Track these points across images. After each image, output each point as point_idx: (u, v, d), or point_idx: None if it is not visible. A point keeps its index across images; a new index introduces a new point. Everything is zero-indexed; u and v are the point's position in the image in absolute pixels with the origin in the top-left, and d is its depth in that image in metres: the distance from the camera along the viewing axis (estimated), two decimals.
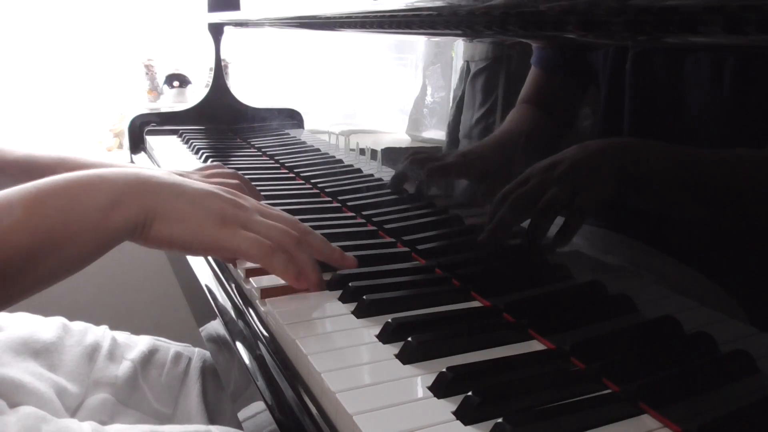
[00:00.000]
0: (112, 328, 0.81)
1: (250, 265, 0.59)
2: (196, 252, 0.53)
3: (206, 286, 0.64)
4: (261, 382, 0.46)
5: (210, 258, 0.69)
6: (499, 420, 0.37)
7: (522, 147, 0.55)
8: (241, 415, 0.50)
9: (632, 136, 0.44)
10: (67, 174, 0.49)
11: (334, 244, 0.59)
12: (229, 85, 1.34)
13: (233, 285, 0.62)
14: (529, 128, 0.54)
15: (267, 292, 0.55)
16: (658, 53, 0.41)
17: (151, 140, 1.25)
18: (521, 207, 0.53)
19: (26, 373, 0.65)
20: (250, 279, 0.58)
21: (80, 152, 0.83)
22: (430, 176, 0.66)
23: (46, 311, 0.79)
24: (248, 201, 0.55)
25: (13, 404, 0.59)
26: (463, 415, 0.38)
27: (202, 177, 0.67)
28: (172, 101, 1.80)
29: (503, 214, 0.54)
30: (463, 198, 0.62)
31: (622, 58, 0.43)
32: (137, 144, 1.28)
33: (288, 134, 1.12)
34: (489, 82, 0.57)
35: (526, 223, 0.52)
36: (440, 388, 0.41)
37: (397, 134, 0.75)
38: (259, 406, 0.45)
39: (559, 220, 0.50)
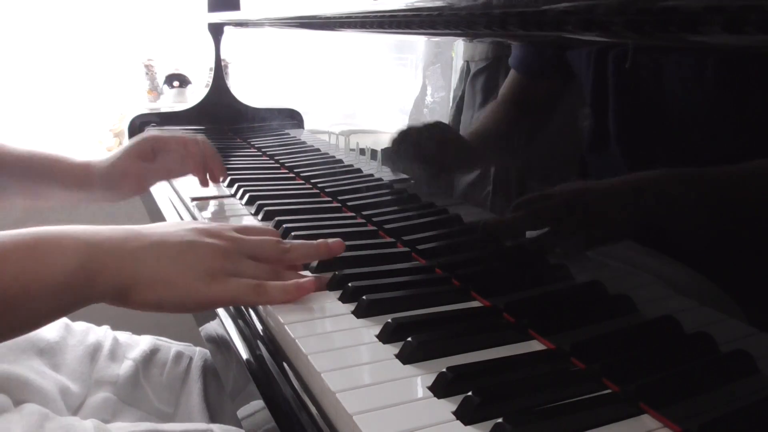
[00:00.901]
0: (114, 328, 0.81)
1: None
2: (189, 311, 0.51)
3: None
4: (261, 382, 0.47)
5: None
6: (499, 420, 0.37)
7: (519, 147, 0.55)
8: (240, 413, 0.50)
9: (632, 136, 0.44)
10: (34, 230, 0.47)
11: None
12: (229, 85, 1.34)
13: None
14: (524, 128, 0.54)
15: None
16: (659, 53, 0.41)
17: None
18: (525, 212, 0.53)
19: (31, 371, 0.66)
20: None
21: (77, 152, 0.85)
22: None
23: None
24: (224, 234, 0.53)
25: (17, 401, 0.59)
26: (463, 415, 0.39)
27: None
28: (172, 101, 1.80)
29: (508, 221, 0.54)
30: (462, 197, 0.62)
31: (622, 58, 0.43)
32: None
33: (288, 134, 1.12)
34: (489, 82, 0.57)
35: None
36: (440, 388, 0.41)
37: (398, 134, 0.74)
38: (259, 406, 0.45)
39: (560, 224, 0.50)
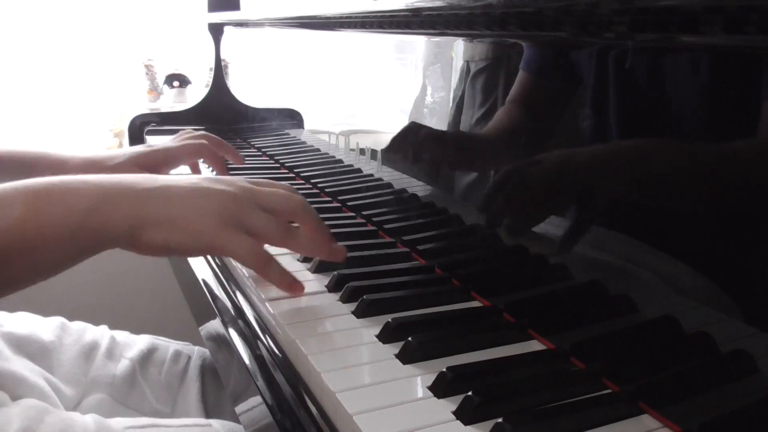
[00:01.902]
0: (112, 327, 0.81)
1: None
2: (194, 255, 0.52)
3: (206, 285, 0.64)
4: (261, 382, 0.46)
5: (210, 257, 0.69)
6: (499, 420, 0.37)
7: (519, 147, 0.55)
8: (240, 411, 0.50)
9: (631, 136, 0.44)
10: (46, 178, 0.47)
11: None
12: (229, 85, 1.34)
13: (233, 284, 0.62)
14: (524, 128, 0.54)
15: (267, 291, 0.55)
16: (658, 53, 0.41)
17: (151, 140, 1.25)
18: (518, 204, 0.53)
19: (26, 369, 0.65)
20: (248, 275, 0.58)
21: (79, 149, 0.83)
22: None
23: (45, 311, 0.79)
24: (237, 183, 0.53)
25: (15, 397, 0.59)
26: (463, 415, 0.38)
27: (176, 142, 0.72)
28: (172, 101, 1.80)
29: (496, 211, 0.54)
30: (462, 197, 0.62)
31: (622, 58, 0.43)
32: (137, 144, 1.28)
33: (288, 134, 1.12)
34: (489, 82, 0.57)
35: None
36: (440, 388, 0.41)
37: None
38: (257, 402, 0.45)
39: (560, 223, 0.50)
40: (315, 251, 0.56)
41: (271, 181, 0.57)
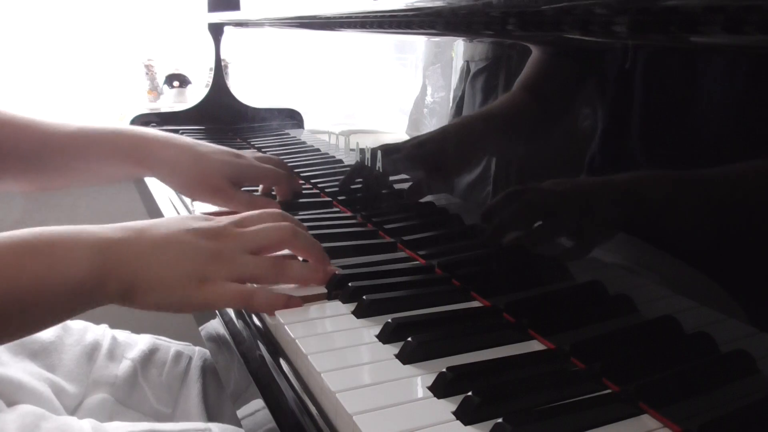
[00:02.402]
0: (112, 326, 0.81)
1: None
2: (186, 312, 0.52)
3: None
4: (261, 383, 0.47)
5: None
6: (499, 420, 0.37)
7: (520, 147, 0.55)
8: (240, 413, 0.50)
9: (630, 136, 0.44)
10: (50, 231, 0.48)
11: (334, 244, 0.59)
12: (229, 85, 1.34)
13: None
14: (525, 128, 0.54)
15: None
16: (658, 53, 0.41)
17: None
18: (517, 211, 0.53)
19: (24, 373, 0.65)
20: None
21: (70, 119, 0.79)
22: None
23: None
24: (224, 232, 0.53)
25: (11, 403, 0.59)
26: (463, 415, 0.38)
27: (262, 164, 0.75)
28: (172, 101, 1.80)
29: (501, 216, 0.54)
30: (462, 197, 0.62)
31: (621, 59, 0.43)
32: None
33: (288, 134, 1.12)
34: (489, 82, 0.57)
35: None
36: (440, 388, 0.41)
37: (397, 134, 0.75)
38: (258, 404, 0.45)
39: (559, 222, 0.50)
40: (309, 280, 0.56)
41: (259, 213, 0.57)
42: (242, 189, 0.77)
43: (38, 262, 0.46)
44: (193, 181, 0.74)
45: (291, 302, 0.52)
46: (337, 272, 0.57)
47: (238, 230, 0.54)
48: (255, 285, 0.53)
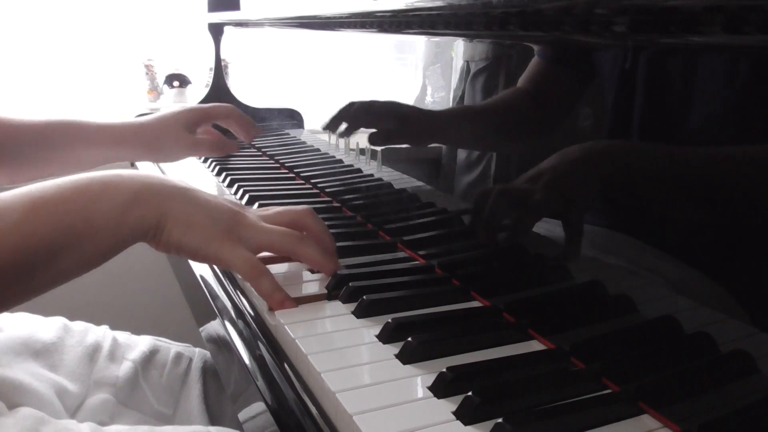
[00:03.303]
0: (113, 328, 0.81)
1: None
2: (199, 260, 0.55)
3: (206, 285, 0.64)
4: (261, 383, 0.46)
5: None
6: (499, 420, 0.37)
7: (520, 147, 0.55)
8: (242, 416, 0.50)
9: (631, 135, 0.44)
10: (86, 174, 0.51)
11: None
12: (229, 85, 1.34)
13: (233, 285, 0.62)
14: (525, 128, 0.54)
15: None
16: (658, 53, 0.41)
17: None
18: (514, 205, 0.53)
19: (26, 374, 0.65)
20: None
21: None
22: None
23: (46, 311, 0.79)
24: (249, 210, 0.57)
25: (12, 405, 0.59)
26: (463, 415, 0.38)
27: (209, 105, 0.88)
28: (172, 101, 1.80)
29: (492, 211, 0.54)
30: (462, 196, 0.62)
31: (621, 59, 0.43)
32: None
33: (288, 134, 1.12)
34: (489, 82, 0.57)
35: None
36: (440, 388, 0.41)
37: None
38: (259, 407, 0.45)
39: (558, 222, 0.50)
40: (321, 264, 0.57)
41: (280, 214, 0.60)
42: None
43: (87, 196, 0.49)
44: (156, 139, 0.86)
45: (287, 303, 0.53)
46: (340, 270, 0.58)
47: (262, 212, 0.58)
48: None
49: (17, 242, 0.45)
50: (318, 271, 0.59)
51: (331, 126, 0.86)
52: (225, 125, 0.95)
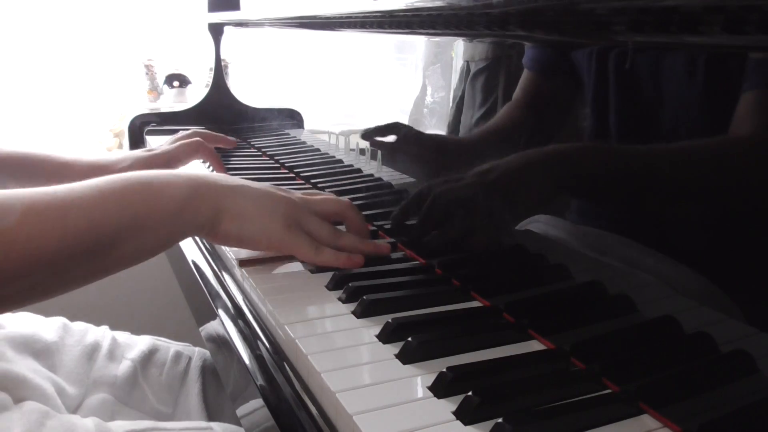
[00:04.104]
0: (113, 328, 0.81)
1: (244, 256, 0.62)
2: (260, 248, 0.59)
3: (205, 285, 0.64)
4: (261, 382, 0.47)
5: (210, 257, 0.69)
6: (499, 420, 0.37)
7: (520, 147, 0.55)
8: (240, 413, 0.50)
9: (629, 136, 0.44)
10: (146, 171, 0.55)
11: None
12: (229, 85, 1.34)
13: (233, 284, 0.62)
14: (525, 128, 0.54)
15: (267, 291, 0.55)
16: (658, 53, 0.41)
17: (151, 140, 1.25)
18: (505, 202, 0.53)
19: (28, 369, 0.65)
20: (248, 275, 0.58)
21: (82, 153, 0.86)
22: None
23: (47, 311, 0.79)
24: (293, 192, 0.62)
25: (17, 399, 0.59)
26: (463, 415, 0.38)
27: (173, 145, 0.85)
28: (172, 101, 1.80)
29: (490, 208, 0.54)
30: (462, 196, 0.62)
31: (621, 59, 0.43)
32: (137, 144, 1.28)
33: (288, 134, 1.12)
34: (489, 82, 0.57)
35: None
36: (440, 388, 0.41)
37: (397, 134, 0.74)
38: (257, 403, 0.45)
39: (559, 223, 0.50)
40: (361, 248, 0.61)
41: (318, 191, 0.65)
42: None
43: (147, 190, 0.52)
44: None
45: (355, 259, 0.59)
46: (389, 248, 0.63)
47: (307, 197, 0.62)
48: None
49: (87, 226, 0.48)
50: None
51: (371, 138, 0.81)
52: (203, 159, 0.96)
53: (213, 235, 0.56)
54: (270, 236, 0.57)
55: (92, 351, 0.75)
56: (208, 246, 0.72)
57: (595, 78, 0.46)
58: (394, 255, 0.66)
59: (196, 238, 0.75)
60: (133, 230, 0.51)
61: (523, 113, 0.54)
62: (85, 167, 0.82)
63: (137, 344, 0.78)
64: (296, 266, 0.61)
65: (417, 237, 0.65)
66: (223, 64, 1.33)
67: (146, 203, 0.52)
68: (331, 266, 0.59)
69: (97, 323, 0.81)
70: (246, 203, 0.56)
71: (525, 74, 0.52)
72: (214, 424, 0.64)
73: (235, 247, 0.60)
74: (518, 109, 0.54)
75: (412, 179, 0.70)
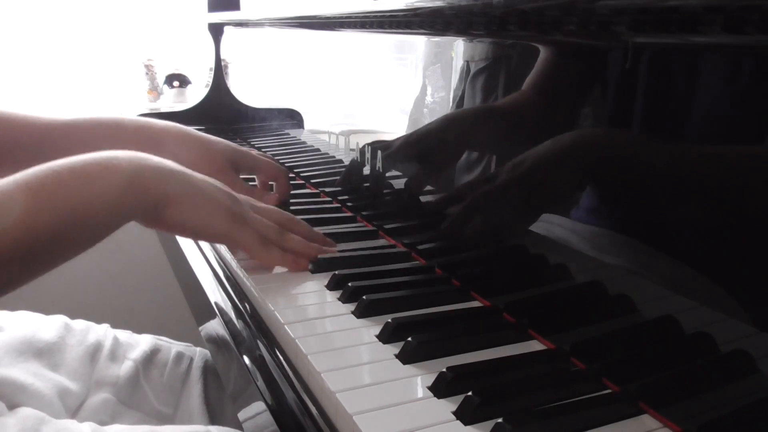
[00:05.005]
0: (114, 326, 0.81)
1: (244, 255, 0.61)
2: (204, 238, 0.59)
3: (205, 285, 0.64)
4: (261, 383, 0.47)
5: (209, 255, 0.69)
6: (499, 420, 0.37)
7: (521, 147, 0.55)
8: (242, 415, 0.50)
9: (629, 136, 0.44)
10: (81, 156, 0.51)
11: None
12: (229, 85, 1.34)
13: (232, 283, 0.62)
14: (526, 128, 0.54)
15: (266, 291, 0.55)
16: (658, 53, 0.41)
17: None
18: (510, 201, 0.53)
19: (28, 373, 0.65)
20: (248, 275, 0.58)
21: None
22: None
23: (47, 310, 0.79)
24: (241, 197, 0.60)
25: (12, 405, 0.59)
26: (463, 415, 0.39)
27: (263, 156, 0.80)
28: (172, 101, 1.80)
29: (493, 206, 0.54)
30: (462, 196, 0.62)
31: (621, 58, 0.43)
32: None
33: (288, 134, 1.12)
34: (489, 82, 0.57)
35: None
36: (440, 388, 0.41)
37: (397, 134, 0.75)
38: (259, 406, 0.45)
39: (560, 222, 0.50)
40: (304, 252, 0.61)
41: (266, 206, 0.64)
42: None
43: (85, 178, 0.49)
44: (198, 160, 0.75)
45: (300, 262, 0.59)
46: (328, 254, 0.62)
47: (252, 200, 0.62)
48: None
49: (21, 235, 0.45)
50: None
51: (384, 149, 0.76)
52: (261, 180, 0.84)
53: (156, 221, 0.54)
54: (216, 227, 0.55)
55: (94, 351, 0.74)
56: (208, 245, 0.72)
57: (595, 78, 0.46)
58: (395, 255, 0.66)
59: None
60: (71, 226, 0.48)
61: (522, 115, 0.54)
62: (71, 124, 0.74)
63: (139, 344, 0.78)
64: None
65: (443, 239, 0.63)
66: (223, 64, 1.33)
67: (83, 194, 0.49)
68: (277, 265, 0.59)
69: (98, 321, 0.80)
70: (193, 191, 0.54)
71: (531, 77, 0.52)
72: (213, 428, 0.64)
73: (179, 235, 0.59)
74: (517, 112, 0.54)
75: (412, 179, 0.70)
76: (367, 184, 0.78)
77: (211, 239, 0.59)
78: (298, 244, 0.61)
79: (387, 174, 0.73)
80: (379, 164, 0.74)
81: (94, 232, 0.50)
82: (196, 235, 0.57)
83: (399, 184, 0.72)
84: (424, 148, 0.67)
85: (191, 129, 0.79)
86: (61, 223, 0.47)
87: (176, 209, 0.53)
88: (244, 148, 0.81)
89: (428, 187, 0.68)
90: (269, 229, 0.59)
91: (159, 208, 0.53)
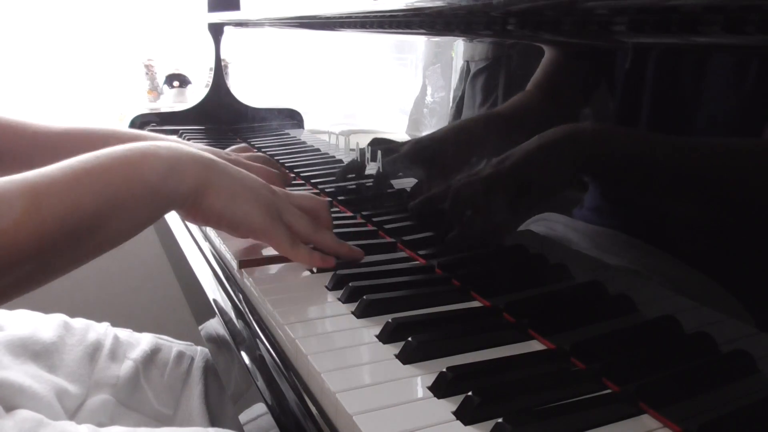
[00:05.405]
0: (114, 325, 0.81)
1: (244, 255, 0.62)
2: (239, 232, 0.58)
3: (205, 284, 0.64)
4: (261, 383, 0.47)
5: (208, 255, 0.69)
6: (499, 420, 0.37)
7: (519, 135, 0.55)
8: (242, 417, 0.50)
9: (629, 135, 0.44)
10: (124, 145, 0.51)
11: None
12: (229, 85, 1.34)
13: (232, 283, 0.62)
14: (526, 128, 0.54)
15: (267, 291, 0.55)
16: (658, 53, 0.41)
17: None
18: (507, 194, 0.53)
19: (26, 375, 0.65)
20: (248, 275, 0.58)
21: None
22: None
23: (46, 308, 0.79)
24: (278, 189, 0.60)
25: (10, 407, 0.59)
26: (463, 415, 0.39)
27: (241, 156, 0.75)
28: (172, 101, 1.80)
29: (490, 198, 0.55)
30: (462, 196, 0.62)
31: (621, 58, 0.43)
32: None
33: (288, 134, 1.12)
34: (489, 82, 0.57)
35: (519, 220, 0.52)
36: (440, 388, 0.41)
37: (397, 134, 0.75)
38: (260, 408, 0.45)
39: (560, 220, 0.50)
40: (336, 248, 0.61)
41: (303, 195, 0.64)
42: None
43: (128, 165, 0.49)
44: None
45: (327, 260, 0.59)
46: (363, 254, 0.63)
47: (287, 191, 0.62)
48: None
49: (65, 213, 0.45)
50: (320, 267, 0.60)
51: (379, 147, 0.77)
52: None
53: (195, 209, 0.54)
54: (252, 220, 0.55)
55: (94, 351, 0.74)
56: (207, 245, 0.72)
57: (595, 78, 0.46)
58: (395, 255, 0.66)
59: (195, 237, 0.75)
60: (114, 211, 0.48)
61: (522, 115, 0.54)
62: (63, 133, 0.74)
63: (139, 343, 0.78)
64: (296, 266, 0.61)
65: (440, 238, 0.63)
66: (223, 64, 1.33)
67: (126, 179, 0.49)
68: (304, 263, 0.59)
69: (98, 320, 0.80)
70: (232, 181, 0.55)
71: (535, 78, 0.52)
72: (212, 430, 0.64)
73: (213, 227, 0.59)
74: (517, 112, 0.54)
75: (412, 179, 0.70)
76: (369, 184, 0.78)
77: (245, 233, 0.58)
78: (329, 242, 0.61)
79: (387, 174, 0.73)
80: (379, 165, 0.74)
81: (134, 220, 0.50)
82: (231, 227, 0.57)
83: (399, 184, 0.72)
84: (430, 157, 0.67)
85: (181, 144, 0.77)
86: (103, 207, 0.47)
87: (216, 198, 0.53)
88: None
89: (431, 191, 0.68)
90: (305, 227, 0.59)
91: (199, 197, 0.53)
